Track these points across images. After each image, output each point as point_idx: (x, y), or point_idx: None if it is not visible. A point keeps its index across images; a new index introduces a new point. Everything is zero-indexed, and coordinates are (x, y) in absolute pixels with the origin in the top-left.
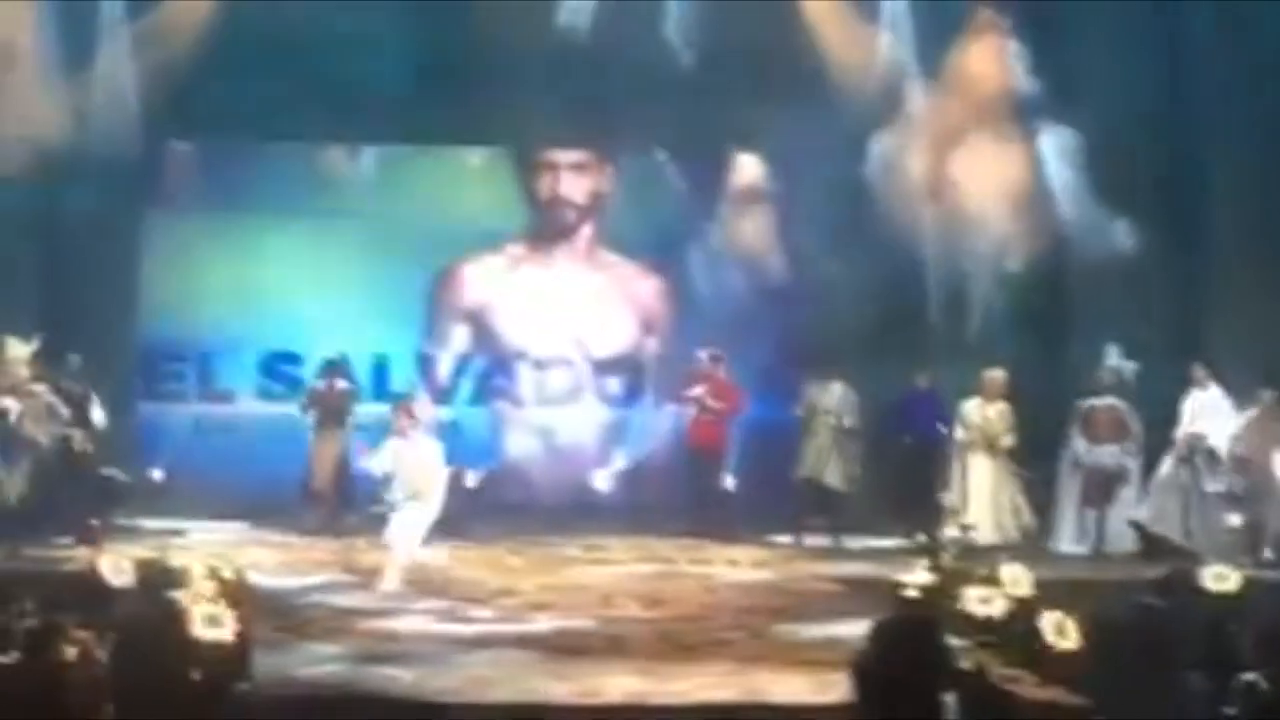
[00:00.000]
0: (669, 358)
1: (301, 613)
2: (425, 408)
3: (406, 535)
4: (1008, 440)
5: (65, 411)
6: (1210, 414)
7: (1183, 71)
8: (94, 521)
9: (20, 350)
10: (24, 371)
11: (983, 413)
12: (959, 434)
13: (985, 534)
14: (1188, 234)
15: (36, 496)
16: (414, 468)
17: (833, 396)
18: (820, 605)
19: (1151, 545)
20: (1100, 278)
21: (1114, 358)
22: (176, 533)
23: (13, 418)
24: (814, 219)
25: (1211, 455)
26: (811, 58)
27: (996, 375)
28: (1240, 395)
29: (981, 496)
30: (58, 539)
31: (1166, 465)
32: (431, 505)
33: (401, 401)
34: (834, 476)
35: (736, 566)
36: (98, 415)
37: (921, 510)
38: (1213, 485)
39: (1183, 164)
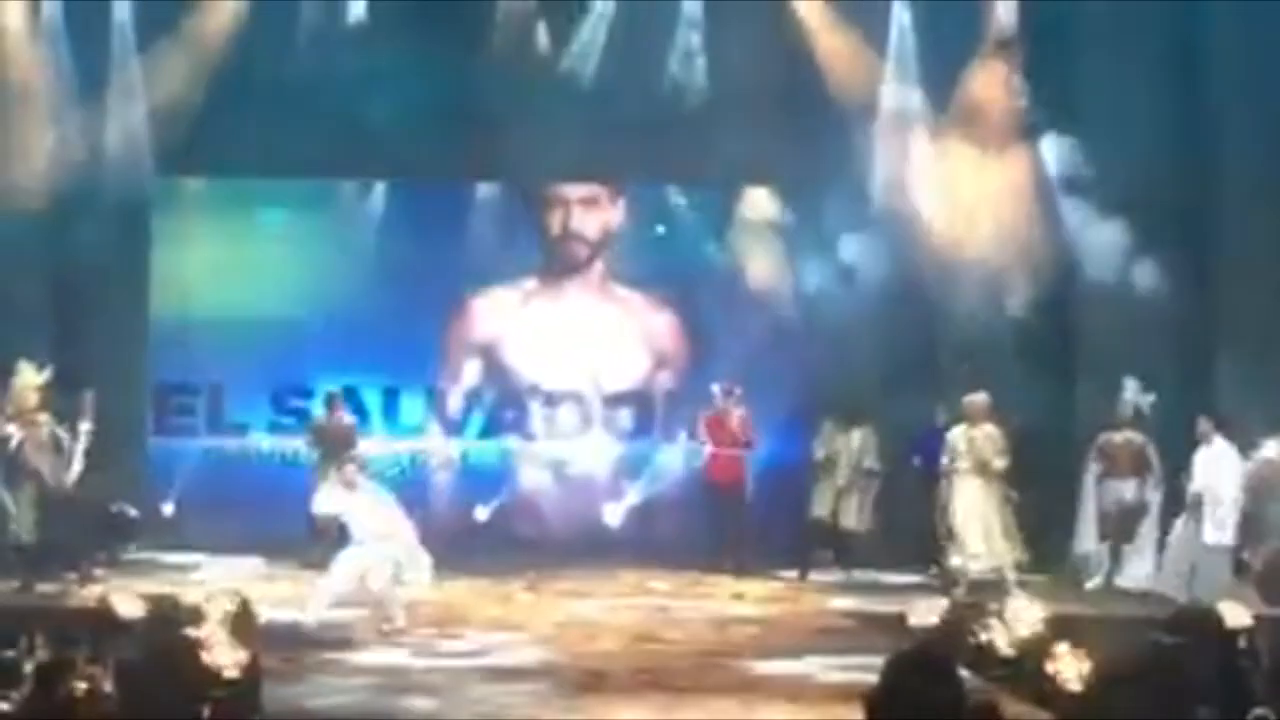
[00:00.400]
0: (681, 393)
1: (310, 646)
2: (439, 445)
3: (347, 571)
4: (999, 463)
5: (68, 444)
6: (1215, 469)
7: (1198, 103)
8: (98, 558)
9: (32, 377)
10: (32, 399)
11: (969, 437)
12: (945, 461)
13: (977, 562)
14: (1201, 264)
15: (46, 531)
16: (367, 514)
17: (853, 440)
18: (831, 640)
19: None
20: (1112, 310)
21: (1131, 391)
22: (186, 567)
23: (13, 444)
24: (825, 254)
25: (1215, 509)
26: (820, 90)
27: (978, 399)
28: (1252, 436)
29: (972, 522)
30: (67, 574)
31: (1176, 527)
32: (403, 544)
33: (347, 457)
34: (850, 518)
35: (744, 600)
36: (78, 455)
37: (931, 544)
38: (1215, 538)
39: (1197, 193)
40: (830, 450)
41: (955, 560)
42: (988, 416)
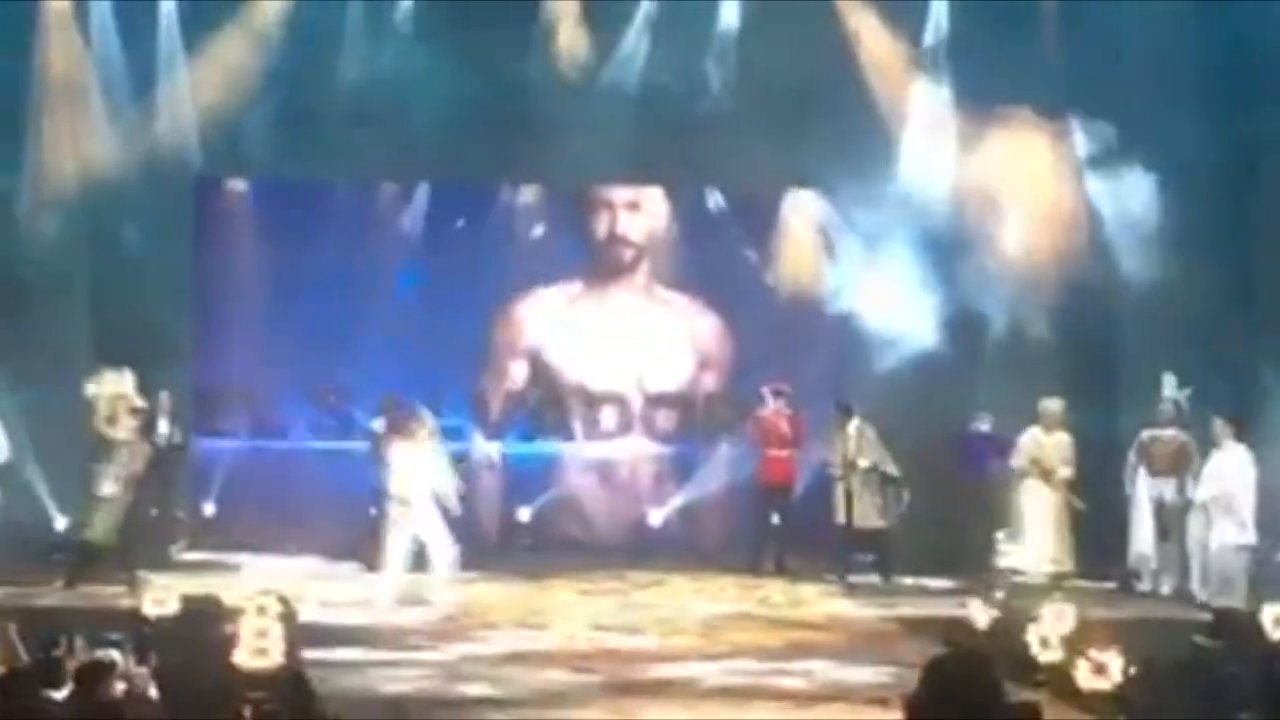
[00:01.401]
0: (724, 395)
1: (354, 645)
2: (482, 446)
3: (399, 554)
4: (1065, 472)
5: (164, 444)
6: (1230, 474)
7: (1239, 102)
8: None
9: (118, 384)
10: (134, 402)
11: (1039, 443)
12: (1014, 464)
13: (1037, 565)
14: (1240, 254)
15: (121, 532)
16: (415, 473)
17: (848, 439)
18: (872, 643)
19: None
20: (1152, 310)
21: (1170, 388)
22: (229, 567)
23: (125, 454)
24: (865, 255)
25: (1231, 510)
26: (862, 93)
27: (1053, 405)
28: None
29: (1035, 528)
30: (119, 574)
31: (1192, 527)
32: (434, 525)
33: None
34: (867, 516)
35: (794, 605)
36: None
37: (977, 548)
38: (1237, 538)
39: (1242, 193)
40: (831, 451)
41: (1008, 561)
42: (1061, 423)
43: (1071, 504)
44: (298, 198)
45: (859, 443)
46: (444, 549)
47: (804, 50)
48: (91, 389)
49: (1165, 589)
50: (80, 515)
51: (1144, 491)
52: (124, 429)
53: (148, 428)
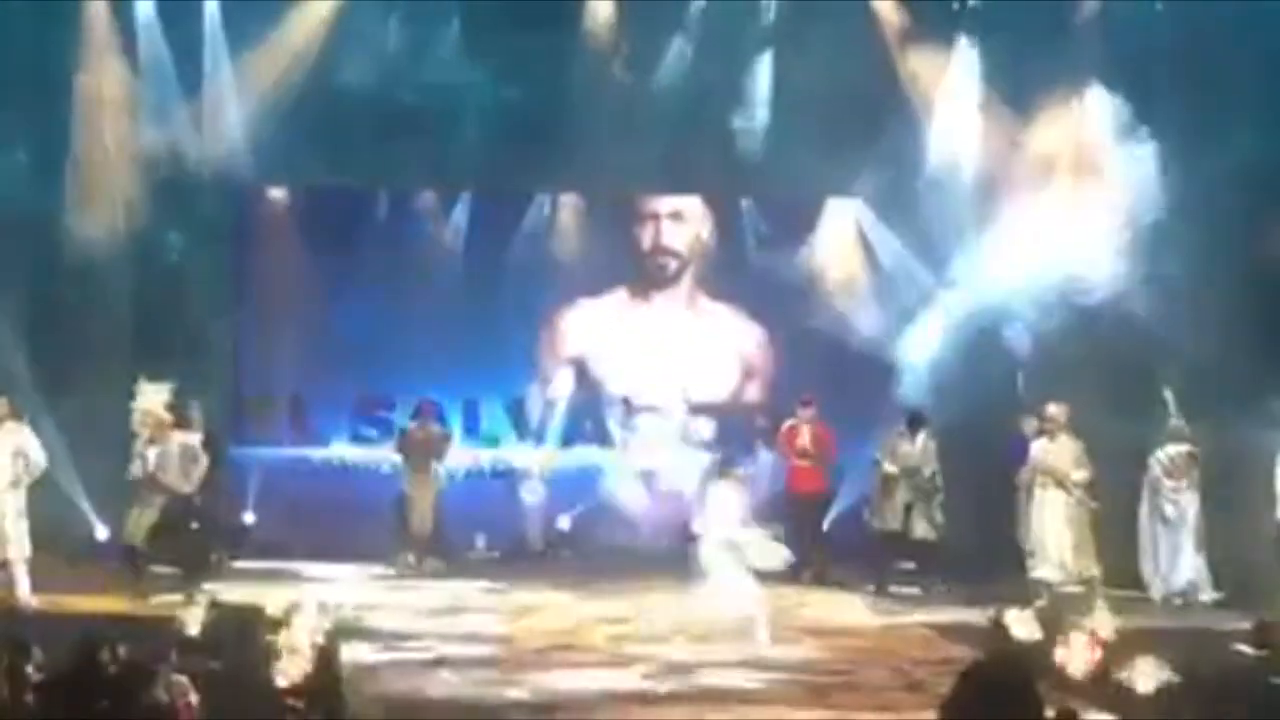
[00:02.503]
0: (768, 405)
1: (393, 652)
2: (531, 455)
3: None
4: (1077, 475)
5: (204, 460)
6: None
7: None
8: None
9: (155, 396)
10: (163, 416)
11: (1046, 449)
12: (1024, 474)
13: (1052, 572)
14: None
15: (165, 542)
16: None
17: (915, 448)
18: (909, 649)
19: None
20: (1176, 318)
21: (1173, 403)
22: (269, 575)
23: (151, 466)
24: (908, 261)
25: None
26: (900, 101)
27: (1056, 410)
28: None
29: (1050, 535)
30: (178, 583)
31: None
32: None
33: None
34: (921, 528)
35: (831, 611)
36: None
37: (1016, 555)
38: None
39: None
40: (894, 460)
41: (1037, 573)
42: (1066, 428)
43: (1089, 508)
44: (340, 206)
45: (924, 453)
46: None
47: (842, 56)
48: (133, 400)
49: (1204, 598)
50: (121, 523)
51: (1151, 502)
52: (157, 439)
53: (184, 439)
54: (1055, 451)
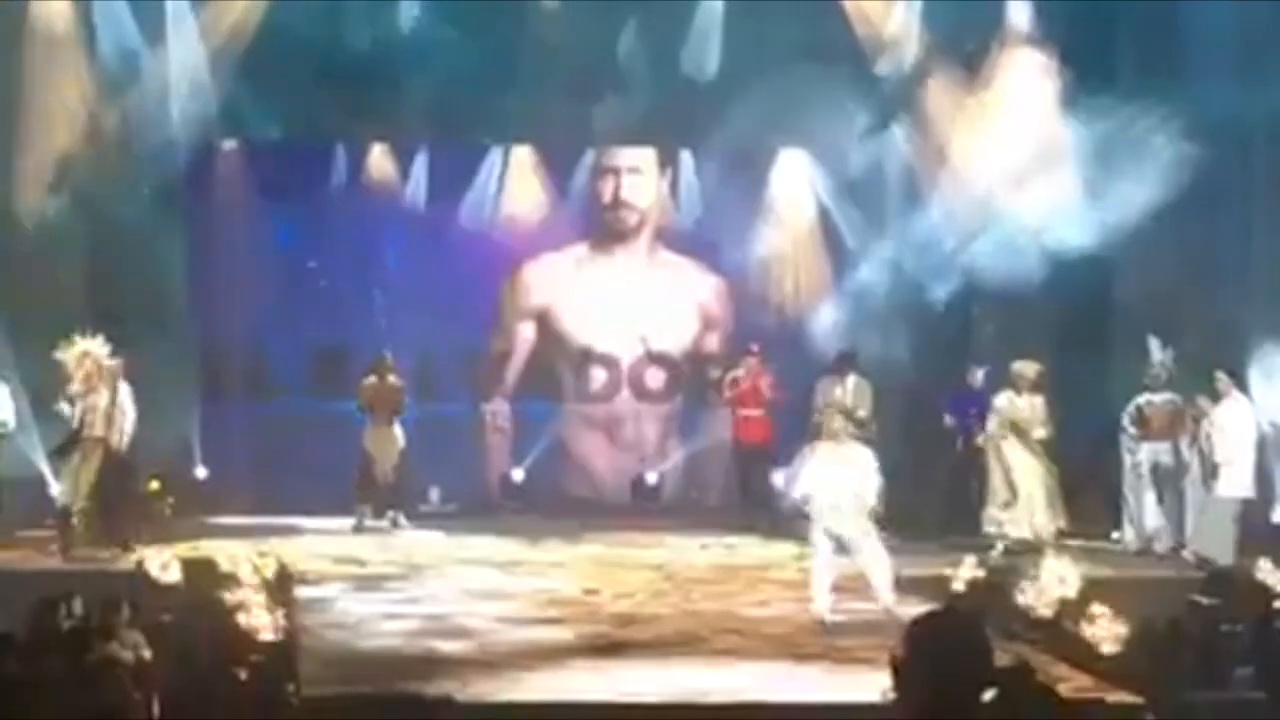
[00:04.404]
0: (726, 356)
1: (349, 610)
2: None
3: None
4: (1041, 433)
5: (131, 412)
6: (1234, 426)
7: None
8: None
9: (84, 346)
10: (88, 367)
11: (1014, 405)
12: (990, 426)
13: (1019, 528)
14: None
15: (100, 498)
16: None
17: (845, 390)
18: (860, 603)
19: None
20: (1140, 265)
21: (1157, 351)
22: (222, 530)
23: (74, 421)
24: (858, 211)
25: (1231, 465)
26: (848, 50)
27: (1027, 367)
28: None
29: (1014, 487)
30: (113, 539)
31: (1194, 484)
32: None
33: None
34: None
35: (780, 567)
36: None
37: (964, 507)
38: (1233, 492)
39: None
40: (822, 403)
41: (993, 523)
42: (1035, 386)
43: (1049, 466)
44: (294, 159)
45: (856, 397)
46: None
47: (794, 11)
48: (60, 354)
49: (1160, 548)
50: (59, 480)
51: (1143, 458)
52: (90, 390)
53: (113, 390)
54: (1022, 407)
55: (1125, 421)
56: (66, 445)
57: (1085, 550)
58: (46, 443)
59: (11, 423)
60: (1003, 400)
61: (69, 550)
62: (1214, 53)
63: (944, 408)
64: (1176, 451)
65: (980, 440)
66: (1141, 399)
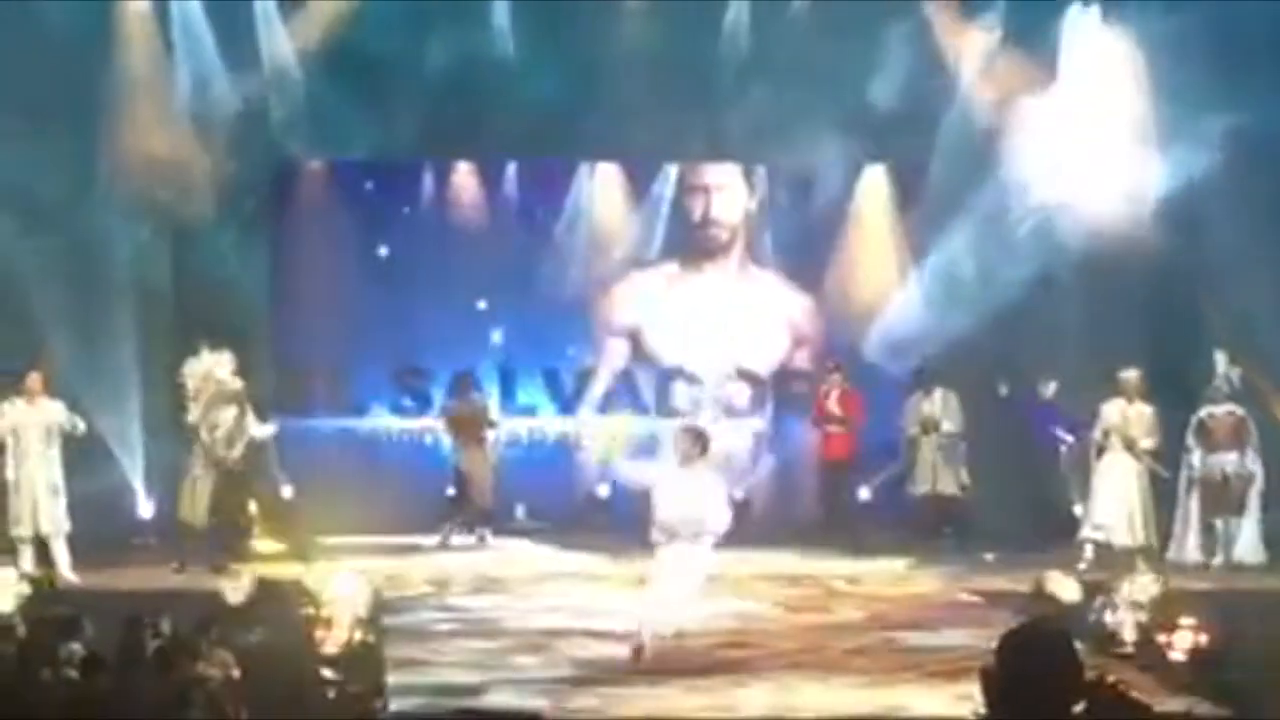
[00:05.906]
0: (815, 372)
1: (435, 627)
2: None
3: None
4: (1147, 443)
5: (251, 431)
6: None
7: None
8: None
9: (210, 362)
10: (226, 382)
11: (1123, 414)
12: (1097, 435)
13: (1118, 537)
14: None
15: (219, 516)
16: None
17: (934, 405)
18: (952, 618)
19: None
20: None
21: (1223, 365)
22: (311, 549)
23: (205, 438)
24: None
25: None
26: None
27: (1130, 375)
28: None
29: (1115, 500)
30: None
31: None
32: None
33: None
34: (947, 484)
35: (861, 581)
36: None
37: (1049, 520)
38: None
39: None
40: (915, 421)
41: (1096, 533)
42: (1141, 393)
43: (1156, 476)
44: (380, 178)
45: (943, 409)
46: None
47: (868, 26)
48: (185, 369)
49: (1247, 560)
50: (175, 498)
51: (1191, 468)
52: (212, 410)
53: (240, 411)
54: (1130, 416)
55: (1189, 439)
56: (190, 464)
57: (1174, 563)
58: (147, 460)
59: (81, 426)
60: (1111, 408)
61: (184, 568)
62: None
63: (1028, 419)
64: (1242, 462)
65: (1090, 449)
66: (1203, 412)
